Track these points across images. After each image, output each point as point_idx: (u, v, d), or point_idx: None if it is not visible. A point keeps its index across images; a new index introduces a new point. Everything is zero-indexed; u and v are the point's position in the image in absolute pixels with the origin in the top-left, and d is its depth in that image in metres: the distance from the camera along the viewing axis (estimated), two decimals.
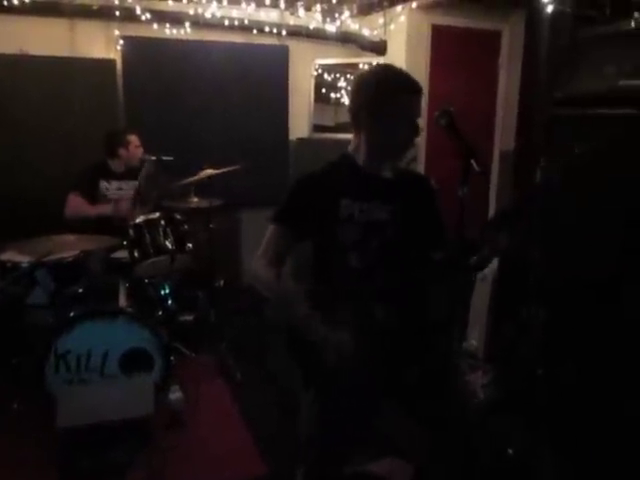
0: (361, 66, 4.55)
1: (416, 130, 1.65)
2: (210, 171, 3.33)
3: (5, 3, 3.50)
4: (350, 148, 1.76)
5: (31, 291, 2.93)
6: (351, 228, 1.65)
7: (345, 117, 4.65)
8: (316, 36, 4.38)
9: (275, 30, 4.22)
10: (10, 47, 3.69)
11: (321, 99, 4.69)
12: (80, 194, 3.38)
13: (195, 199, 3.51)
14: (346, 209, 1.66)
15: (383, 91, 1.60)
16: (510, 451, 2.39)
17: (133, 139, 3.52)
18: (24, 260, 2.86)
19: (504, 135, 4.48)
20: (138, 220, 3.03)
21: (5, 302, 2.91)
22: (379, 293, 1.64)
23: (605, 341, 2.58)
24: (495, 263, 3.35)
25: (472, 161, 1.40)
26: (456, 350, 1.96)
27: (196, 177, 3.37)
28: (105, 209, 3.36)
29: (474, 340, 3.47)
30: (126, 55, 4.01)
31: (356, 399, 1.61)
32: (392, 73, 1.66)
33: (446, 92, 4.18)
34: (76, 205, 3.36)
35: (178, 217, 3.17)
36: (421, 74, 4.11)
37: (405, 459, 2.46)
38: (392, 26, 4.05)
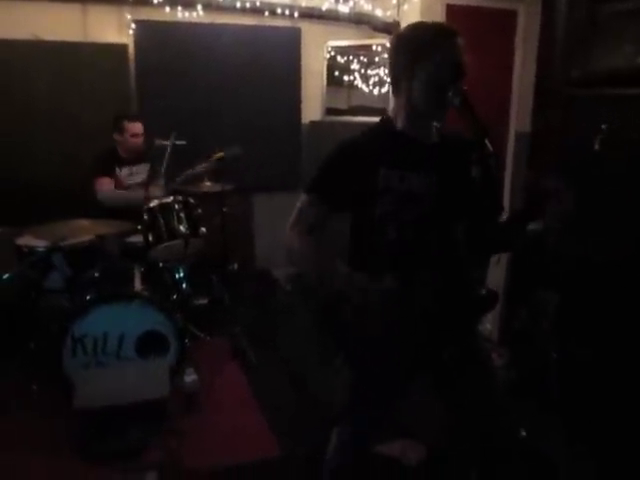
0: (374, 48, 4.49)
1: (460, 74, 1.51)
2: (221, 154, 3.31)
3: None
4: (391, 112, 1.67)
5: (48, 275, 2.98)
6: (389, 199, 1.56)
7: (358, 100, 4.67)
8: (328, 17, 4.32)
9: (287, 12, 4.17)
10: (23, 33, 3.69)
11: (334, 82, 4.64)
12: (105, 175, 3.38)
13: (208, 183, 3.51)
14: (384, 179, 1.55)
15: (421, 40, 1.53)
16: (523, 433, 2.39)
17: (131, 127, 3.44)
18: (40, 245, 2.91)
19: (520, 116, 4.40)
20: (152, 204, 3.04)
21: (22, 286, 2.96)
22: (416, 267, 1.55)
23: (621, 325, 2.56)
24: None
25: (486, 141, 1.37)
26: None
27: (208, 162, 3.36)
28: (139, 194, 3.28)
29: (488, 323, 3.46)
30: (138, 39, 4.00)
31: (389, 374, 1.62)
32: (428, 24, 1.62)
33: None
34: (108, 186, 3.36)
35: (192, 201, 3.18)
36: None
37: (417, 439, 2.50)
38: (405, 6, 3.98)
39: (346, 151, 1.62)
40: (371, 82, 4.57)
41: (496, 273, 3.39)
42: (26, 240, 2.96)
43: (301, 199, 1.63)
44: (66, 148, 3.87)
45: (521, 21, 4.24)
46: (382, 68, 4.48)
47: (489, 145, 1.37)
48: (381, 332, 1.54)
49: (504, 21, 4.24)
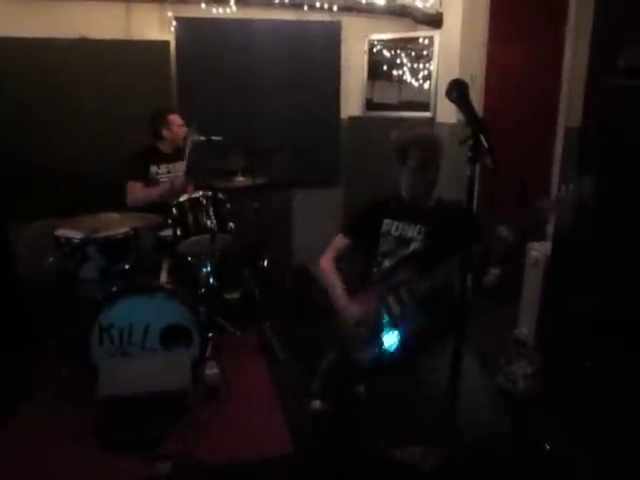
0: (421, 40, 4.37)
1: (432, 175, 2.15)
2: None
3: None
4: None
5: (83, 266, 3.07)
6: (387, 240, 2.22)
7: (409, 95, 4.55)
8: (369, 10, 4.24)
9: (326, 6, 4.13)
10: (70, 32, 3.83)
11: (383, 76, 4.55)
12: (137, 180, 3.45)
13: (241, 178, 3.53)
14: (386, 226, 2.24)
15: (399, 147, 2.15)
16: (547, 446, 2.26)
17: (173, 119, 3.53)
18: (76, 236, 3.00)
19: (570, 111, 4.16)
20: (181, 199, 3.08)
21: (58, 275, 3.08)
22: (400, 290, 2.10)
23: None
24: (548, 247, 3.17)
25: (481, 137, 1.29)
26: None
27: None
28: (165, 186, 3.40)
29: (524, 328, 3.31)
30: (179, 36, 4.07)
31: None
32: (408, 132, 2.17)
33: (506, 66, 3.94)
34: (138, 191, 3.44)
35: (221, 196, 3.20)
36: (478, 47, 3.90)
37: (433, 444, 2.42)
38: None
39: (368, 208, 2.37)
40: (420, 76, 4.45)
41: (534, 275, 3.23)
42: (63, 231, 3.06)
43: (336, 237, 2.40)
44: (109, 143, 3.99)
45: (573, 8, 4.00)
46: (430, 62, 4.35)
47: (484, 141, 1.28)
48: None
49: (554, 9, 4.02)
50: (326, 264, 2.36)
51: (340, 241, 2.39)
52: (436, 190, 2.22)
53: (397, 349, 2.08)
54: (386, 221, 2.24)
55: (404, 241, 2.19)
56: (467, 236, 1.86)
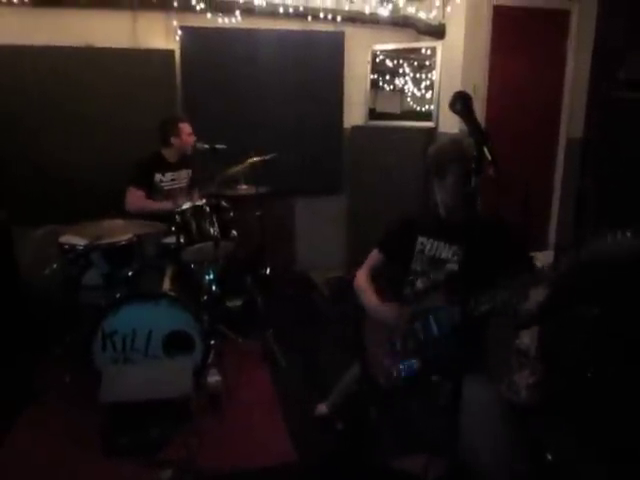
0: (423, 51, 4.40)
1: (471, 189, 1.72)
2: (255, 159, 3.34)
3: None
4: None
5: (87, 272, 3.09)
6: (420, 260, 2.13)
7: (411, 105, 4.57)
8: (372, 21, 4.28)
9: (330, 16, 4.17)
10: (77, 40, 3.86)
11: (386, 86, 4.58)
12: (138, 187, 3.46)
13: (244, 186, 3.56)
14: (420, 245, 2.14)
15: (438, 163, 2.04)
16: (549, 456, 2.26)
17: (184, 127, 3.54)
18: (80, 243, 3.02)
19: (572, 122, 4.20)
20: (185, 207, 3.10)
21: (62, 282, 3.09)
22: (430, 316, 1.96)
23: None
24: (550, 256, 3.18)
25: (485, 149, 1.30)
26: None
27: (240, 166, 3.39)
28: (166, 205, 3.37)
29: (526, 337, 3.31)
30: (185, 45, 4.09)
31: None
32: (445, 147, 2.08)
33: (508, 78, 3.97)
34: (137, 199, 3.44)
35: (224, 204, 3.22)
36: (480, 58, 3.92)
37: (437, 455, 2.41)
38: (449, 8, 3.88)
39: (402, 223, 2.28)
40: (422, 86, 4.47)
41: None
42: (67, 238, 3.08)
43: (372, 251, 2.34)
44: (114, 150, 3.99)
45: (574, 22, 4.04)
46: (433, 72, 4.37)
47: (487, 153, 1.30)
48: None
49: (556, 22, 4.06)
50: (361, 280, 2.30)
51: (375, 256, 2.34)
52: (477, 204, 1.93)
53: (414, 378, 1.98)
54: (420, 239, 2.15)
55: (438, 262, 2.08)
56: (510, 260, 1.89)
